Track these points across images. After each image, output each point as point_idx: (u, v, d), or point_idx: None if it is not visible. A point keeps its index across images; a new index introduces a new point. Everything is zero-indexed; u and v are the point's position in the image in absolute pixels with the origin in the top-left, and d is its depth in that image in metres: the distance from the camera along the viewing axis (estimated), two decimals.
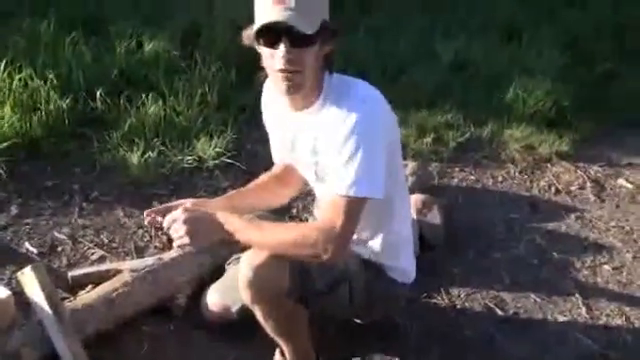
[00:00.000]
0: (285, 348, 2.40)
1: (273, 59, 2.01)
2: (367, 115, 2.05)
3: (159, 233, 3.04)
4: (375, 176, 2.06)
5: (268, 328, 2.28)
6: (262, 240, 2.13)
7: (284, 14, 1.94)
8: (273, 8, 1.95)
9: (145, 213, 2.30)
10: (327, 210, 2.11)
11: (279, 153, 2.49)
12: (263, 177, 2.57)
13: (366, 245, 2.37)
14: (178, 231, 2.12)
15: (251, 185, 2.55)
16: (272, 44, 2.00)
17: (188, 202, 2.30)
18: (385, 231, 2.33)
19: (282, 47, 1.97)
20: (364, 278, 2.34)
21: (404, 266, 2.43)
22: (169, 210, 2.22)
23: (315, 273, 2.20)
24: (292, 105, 2.19)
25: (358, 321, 2.58)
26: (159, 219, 2.23)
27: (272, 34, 1.98)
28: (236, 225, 2.14)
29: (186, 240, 2.12)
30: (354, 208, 2.07)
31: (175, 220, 2.13)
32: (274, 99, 2.32)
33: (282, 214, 3.21)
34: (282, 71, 2.01)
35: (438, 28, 5.40)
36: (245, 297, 2.16)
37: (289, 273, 2.12)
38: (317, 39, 2.01)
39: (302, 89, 2.08)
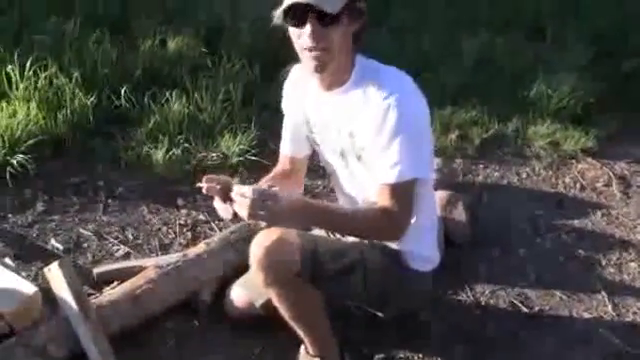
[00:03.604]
0: (305, 338, 2.39)
1: (300, 38, 2.10)
2: (411, 101, 2.14)
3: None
4: (422, 157, 2.17)
5: (285, 313, 2.28)
6: (336, 228, 2.31)
7: None
8: None
9: (204, 179, 2.22)
10: (382, 199, 2.18)
11: (294, 142, 2.55)
12: (272, 176, 2.54)
13: None
14: (253, 207, 2.00)
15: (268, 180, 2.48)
16: (299, 23, 2.07)
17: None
18: None
19: (308, 26, 2.05)
20: (380, 266, 2.35)
21: (425, 253, 2.42)
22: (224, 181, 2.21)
23: (327, 256, 2.23)
24: (322, 85, 2.26)
25: (379, 314, 2.57)
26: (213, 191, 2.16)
27: (298, 13, 2.05)
28: (314, 208, 2.21)
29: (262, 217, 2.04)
30: (407, 190, 2.17)
31: (247, 195, 2.01)
32: (304, 80, 2.37)
33: None
34: (310, 50, 2.09)
35: (462, 25, 5.37)
36: (258, 279, 2.17)
37: (300, 254, 2.15)
38: (344, 17, 2.07)
39: (330, 67, 2.15)
